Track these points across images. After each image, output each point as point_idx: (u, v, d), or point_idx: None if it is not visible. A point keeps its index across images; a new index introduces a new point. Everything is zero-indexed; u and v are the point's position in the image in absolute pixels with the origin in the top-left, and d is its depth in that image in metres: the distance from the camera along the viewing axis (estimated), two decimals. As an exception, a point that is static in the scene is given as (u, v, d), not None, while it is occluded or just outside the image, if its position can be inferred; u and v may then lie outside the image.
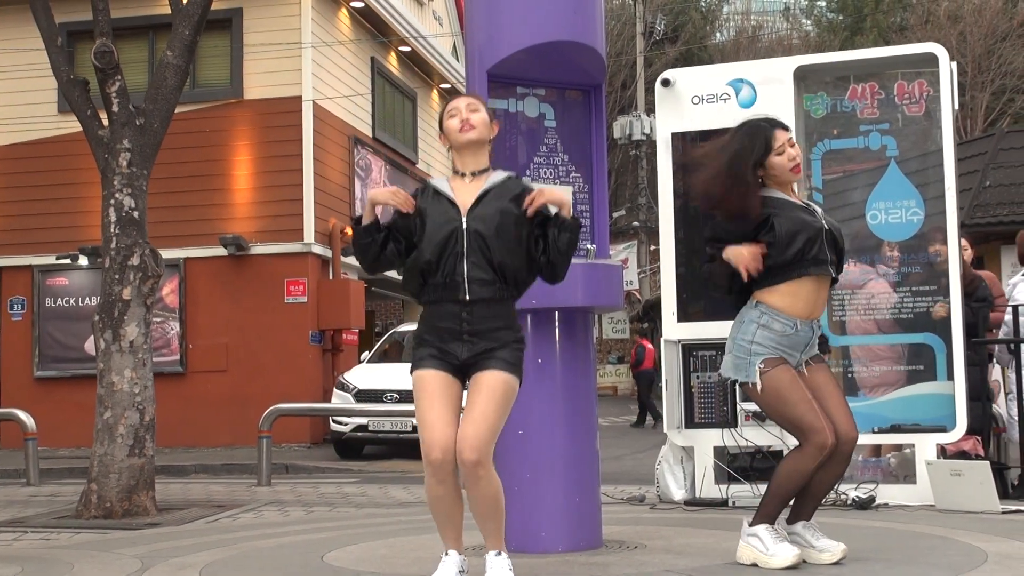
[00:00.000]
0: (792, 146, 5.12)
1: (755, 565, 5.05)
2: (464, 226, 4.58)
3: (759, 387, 5.03)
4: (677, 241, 8.09)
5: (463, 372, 4.61)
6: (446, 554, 4.67)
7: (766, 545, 5.02)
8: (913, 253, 7.84)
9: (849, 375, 7.91)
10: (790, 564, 4.95)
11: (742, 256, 4.97)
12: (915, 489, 7.45)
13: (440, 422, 4.51)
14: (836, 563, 5.04)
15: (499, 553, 4.62)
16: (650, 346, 23.36)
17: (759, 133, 5.11)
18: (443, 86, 24.25)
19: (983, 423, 8.17)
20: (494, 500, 4.57)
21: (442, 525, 4.69)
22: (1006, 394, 8.78)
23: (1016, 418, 8.28)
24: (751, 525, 5.10)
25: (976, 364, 7.97)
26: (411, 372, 4.64)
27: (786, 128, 5.19)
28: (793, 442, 5.17)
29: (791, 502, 5.19)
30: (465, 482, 4.53)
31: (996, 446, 8.66)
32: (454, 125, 4.69)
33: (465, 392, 4.65)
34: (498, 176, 4.74)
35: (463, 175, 4.72)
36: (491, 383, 4.52)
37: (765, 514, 5.08)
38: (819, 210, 5.25)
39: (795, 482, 5.04)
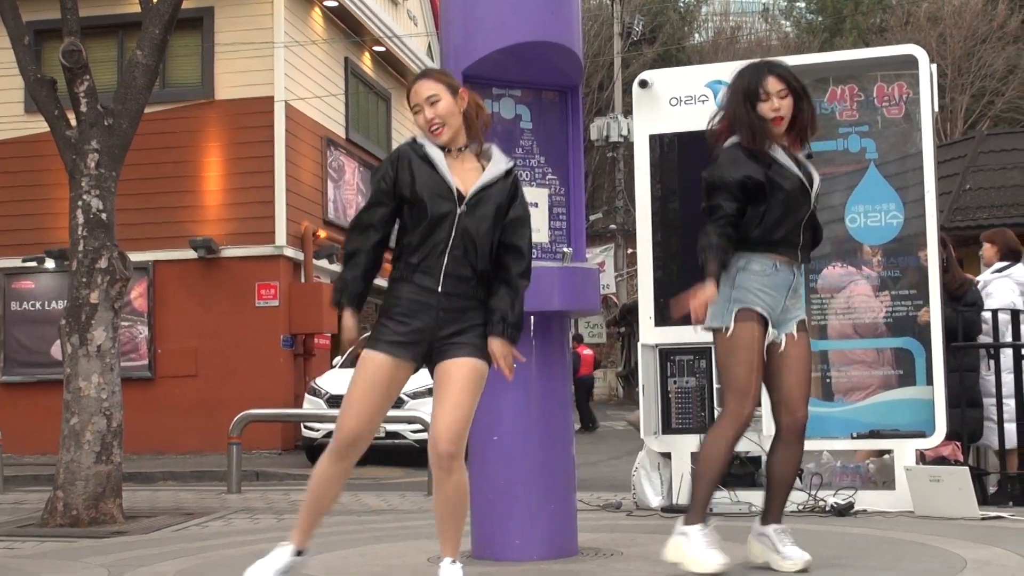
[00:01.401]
0: (782, 97, 5.12)
1: (678, 565, 5.02)
2: (456, 220, 4.53)
3: (729, 332, 5.05)
4: (654, 244, 8.11)
5: (430, 351, 4.57)
6: (281, 545, 4.71)
7: (694, 546, 4.99)
8: (893, 257, 7.88)
9: (827, 380, 7.94)
10: (711, 572, 4.93)
11: (697, 302, 5.01)
12: (894, 495, 7.48)
13: (365, 411, 4.56)
14: (799, 572, 5.04)
15: (454, 561, 4.58)
16: (586, 352, 23.35)
17: (753, 74, 5.18)
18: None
19: (973, 429, 8.20)
20: (462, 497, 4.56)
21: (311, 512, 4.72)
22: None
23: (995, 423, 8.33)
24: (684, 524, 5.07)
25: (956, 369, 8.00)
26: (366, 346, 4.63)
27: (783, 75, 5.16)
28: (768, 447, 5.20)
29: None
30: (435, 476, 4.53)
31: (975, 452, 8.70)
32: (421, 124, 4.65)
33: (413, 379, 4.70)
34: (498, 167, 4.66)
35: (448, 150, 4.64)
36: (463, 371, 4.52)
37: (696, 504, 5.06)
38: (815, 178, 5.25)
39: (717, 455, 5.04)
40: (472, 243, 4.55)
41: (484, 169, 4.66)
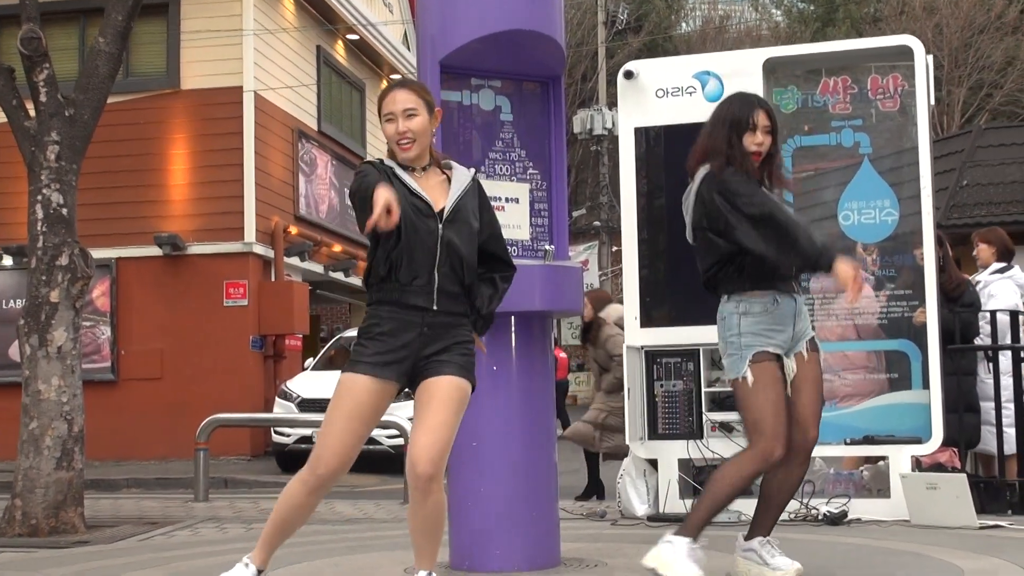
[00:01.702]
0: (765, 133, 5.22)
1: (653, 570, 5.03)
2: (440, 236, 4.57)
3: (750, 380, 5.08)
4: (640, 242, 8.11)
5: (411, 373, 4.58)
6: (246, 564, 4.75)
7: (676, 555, 4.99)
8: (887, 255, 7.90)
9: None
10: None
11: (849, 275, 4.96)
12: (889, 503, 7.51)
13: (344, 442, 4.58)
14: None
15: (430, 574, 4.61)
16: (561, 355, 23.41)
17: (746, 105, 5.27)
18: (393, 76, 24.21)
19: (970, 435, 8.23)
20: (439, 516, 4.58)
21: (278, 535, 4.78)
22: None
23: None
24: (674, 534, 5.08)
25: (953, 373, 8.03)
26: (343, 371, 4.61)
27: (770, 113, 5.28)
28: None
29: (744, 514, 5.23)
30: (412, 497, 4.53)
31: (973, 459, 8.74)
32: (391, 134, 4.64)
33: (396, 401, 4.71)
34: (464, 177, 4.73)
35: (412, 169, 4.68)
36: (445, 391, 4.53)
37: (694, 524, 5.07)
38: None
39: (737, 490, 5.09)
40: (459, 257, 4.59)
41: (449, 180, 4.71)
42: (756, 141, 5.21)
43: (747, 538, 5.21)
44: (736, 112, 5.25)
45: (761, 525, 5.22)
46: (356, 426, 4.57)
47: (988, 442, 8.36)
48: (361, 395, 4.55)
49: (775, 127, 5.29)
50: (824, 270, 5.07)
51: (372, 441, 14.37)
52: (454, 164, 4.81)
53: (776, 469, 5.15)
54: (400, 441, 11.92)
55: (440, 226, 4.57)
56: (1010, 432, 8.19)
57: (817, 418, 5.20)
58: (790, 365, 5.19)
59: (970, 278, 8.92)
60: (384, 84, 24.25)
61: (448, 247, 4.57)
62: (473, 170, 4.85)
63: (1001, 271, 8.86)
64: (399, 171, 4.64)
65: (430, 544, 4.61)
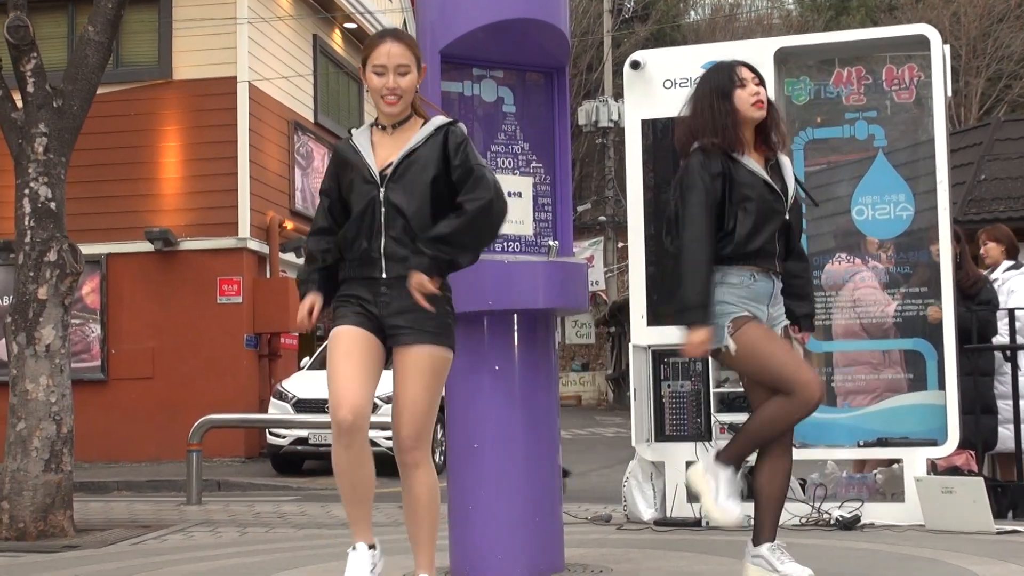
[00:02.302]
0: (757, 84, 5.24)
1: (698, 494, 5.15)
2: (381, 197, 4.58)
3: (732, 349, 5.09)
4: (647, 237, 8.11)
5: (382, 329, 4.59)
6: (353, 548, 4.60)
7: (719, 494, 5.08)
8: (902, 252, 7.91)
9: (832, 384, 7.96)
10: (729, 523, 5.06)
11: (690, 351, 5.11)
12: (903, 508, 7.51)
13: (352, 379, 4.50)
14: None
15: None
16: None
17: (724, 67, 5.32)
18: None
19: (987, 437, 8.24)
20: (431, 496, 4.56)
21: (350, 502, 4.61)
22: None
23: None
24: (717, 460, 5.14)
25: (970, 373, 8.03)
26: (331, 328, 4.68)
27: (751, 67, 5.32)
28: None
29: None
30: (401, 475, 4.55)
31: (991, 462, 8.74)
32: (377, 87, 4.64)
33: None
34: (426, 131, 4.67)
35: (383, 128, 4.72)
36: (420, 361, 4.53)
37: (733, 453, 5.15)
38: (789, 181, 5.30)
39: (775, 430, 5.11)
40: (404, 216, 4.55)
41: None
42: (752, 92, 5.22)
43: (755, 543, 5.21)
44: (716, 78, 5.28)
45: (765, 528, 5.23)
46: (356, 363, 4.52)
47: (1006, 442, 8.36)
48: (349, 337, 4.56)
49: (762, 77, 5.32)
50: (679, 323, 5.12)
51: (370, 443, 14.39)
52: (436, 117, 4.75)
53: (758, 467, 5.20)
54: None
55: (382, 189, 4.58)
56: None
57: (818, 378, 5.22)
58: None
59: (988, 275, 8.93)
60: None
61: (394, 209, 4.56)
62: (449, 119, 4.76)
63: (1015, 267, 8.86)
64: (358, 138, 4.72)
65: (427, 538, 4.58)
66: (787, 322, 5.28)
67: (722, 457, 5.14)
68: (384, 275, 4.56)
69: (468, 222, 4.51)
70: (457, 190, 4.59)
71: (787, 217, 5.24)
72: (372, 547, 4.61)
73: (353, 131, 4.81)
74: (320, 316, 4.71)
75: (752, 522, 5.22)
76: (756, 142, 5.28)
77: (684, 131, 5.33)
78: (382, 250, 4.56)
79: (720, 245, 5.15)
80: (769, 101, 5.29)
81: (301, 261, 19.63)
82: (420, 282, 4.46)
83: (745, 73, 5.25)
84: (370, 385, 4.54)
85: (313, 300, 4.66)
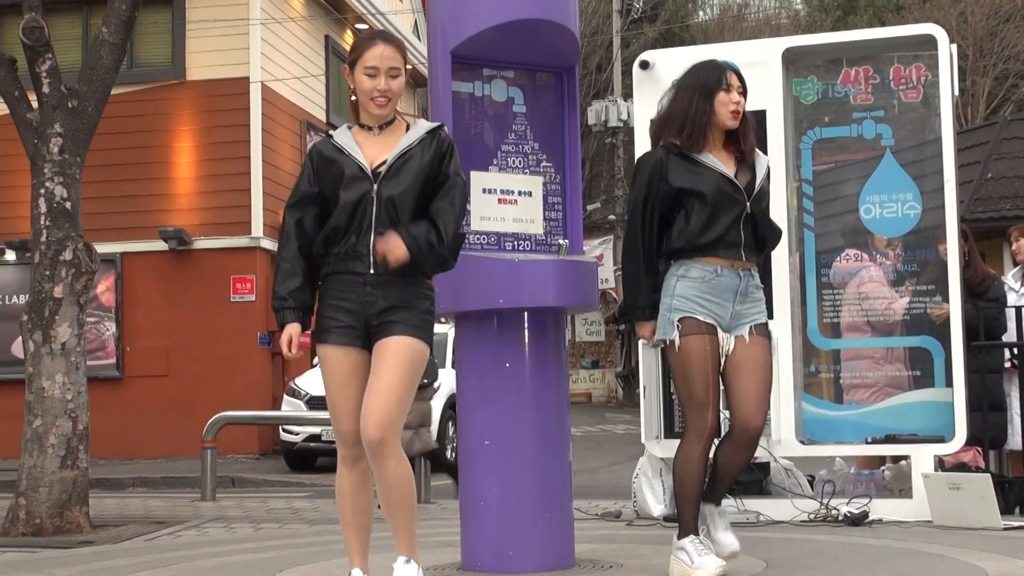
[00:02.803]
0: (739, 94, 5.32)
1: None
2: (375, 193, 4.59)
3: (676, 345, 5.22)
4: (656, 236, 8.09)
5: (367, 335, 4.60)
6: (349, 574, 4.68)
7: (691, 558, 5.18)
8: (910, 250, 7.89)
9: (840, 381, 7.95)
10: (712, 572, 5.09)
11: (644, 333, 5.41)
12: (911, 504, 7.49)
13: (352, 409, 4.58)
14: (727, 558, 5.19)
15: (408, 560, 4.59)
16: None
17: (715, 67, 5.40)
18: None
19: (995, 434, 8.22)
20: (402, 485, 4.56)
21: (349, 528, 4.71)
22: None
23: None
24: (677, 538, 5.27)
25: (978, 370, 8.01)
26: (313, 341, 4.69)
27: (740, 75, 5.39)
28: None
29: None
30: (371, 464, 4.55)
31: (998, 458, 8.72)
32: (367, 88, 4.65)
33: None
34: (418, 132, 4.72)
35: (369, 128, 4.73)
36: (395, 350, 4.53)
37: (682, 522, 5.28)
38: (760, 173, 5.36)
39: (690, 474, 5.24)
40: (395, 211, 4.59)
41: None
42: (733, 100, 5.30)
43: (703, 503, 5.32)
44: (704, 77, 5.35)
45: (710, 494, 5.36)
46: (352, 391, 4.61)
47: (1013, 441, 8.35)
48: (337, 362, 4.63)
49: (746, 89, 5.38)
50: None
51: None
52: (421, 122, 4.82)
53: (721, 444, 5.29)
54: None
55: (375, 186, 4.60)
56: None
57: (759, 406, 5.26)
58: (727, 340, 5.25)
59: (1015, 271, 8.95)
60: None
61: (387, 204, 4.58)
62: (440, 124, 4.84)
63: None
64: (340, 138, 4.72)
65: (404, 524, 4.60)
66: (761, 321, 5.33)
67: (681, 533, 5.26)
68: (372, 271, 4.58)
69: (451, 240, 4.65)
70: (434, 193, 4.67)
71: (749, 209, 5.27)
72: (367, 574, 4.72)
73: (332, 132, 4.82)
74: (300, 344, 4.73)
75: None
76: (725, 142, 5.36)
77: (658, 119, 5.46)
78: (371, 246, 4.58)
79: (680, 238, 5.26)
80: (745, 114, 5.37)
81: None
82: (396, 245, 4.50)
83: (733, 80, 5.33)
84: None
85: (291, 332, 4.68)
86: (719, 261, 5.23)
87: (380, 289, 4.56)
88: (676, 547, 5.26)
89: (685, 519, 5.25)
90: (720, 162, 5.30)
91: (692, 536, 5.21)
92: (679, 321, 5.21)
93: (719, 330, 5.24)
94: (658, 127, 5.45)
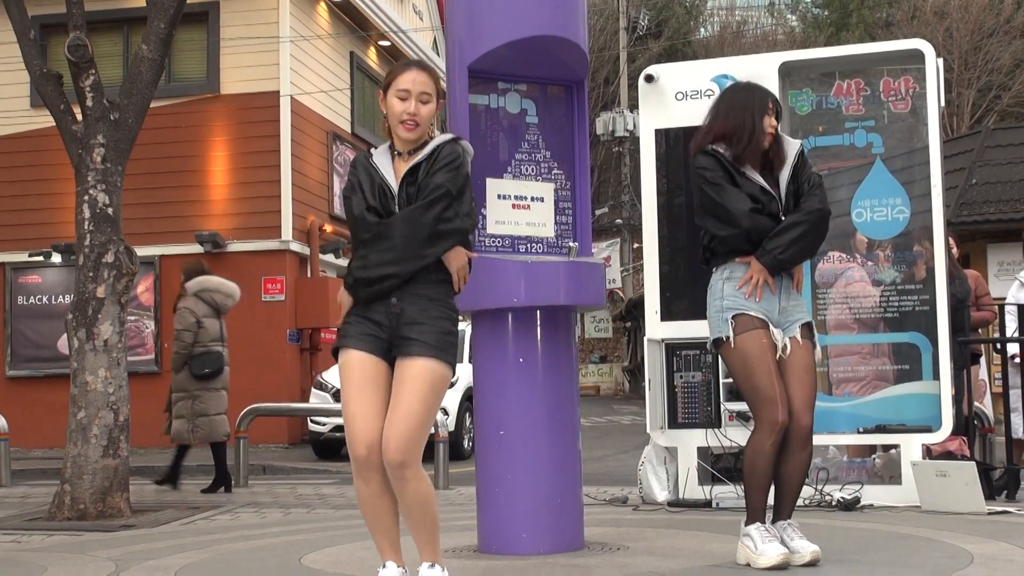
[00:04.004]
0: (775, 118, 5.31)
1: (748, 565, 5.13)
2: (397, 208, 4.40)
3: (732, 342, 5.15)
4: (660, 239, 8.10)
5: (391, 347, 4.37)
6: (383, 566, 4.44)
7: (755, 544, 5.11)
8: (899, 251, 7.87)
9: (833, 375, 7.93)
10: (773, 564, 5.02)
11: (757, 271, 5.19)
12: (900, 490, 7.48)
13: (365, 415, 4.31)
14: (808, 564, 5.07)
15: (432, 565, 4.38)
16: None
17: (764, 92, 5.36)
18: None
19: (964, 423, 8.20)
20: (423, 504, 4.33)
21: (374, 531, 4.48)
22: (992, 393, 8.82)
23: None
24: (745, 525, 5.20)
25: (963, 365, 7.99)
26: (336, 348, 4.46)
27: (775, 100, 5.37)
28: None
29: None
30: (392, 485, 4.32)
31: (982, 446, 8.70)
32: (397, 111, 4.45)
33: None
34: (431, 145, 4.48)
35: (399, 153, 4.51)
36: (416, 374, 4.29)
37: (751, 509, 5.19)
38: (781, 185, 5.30)
39: (760, 464, 5.14)
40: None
41: None
42: (772, 124, 5.28)
43: (772, 522, 5.22)
44: (759, 98, 5.31)
45: (780, 511, 5.26)
46: (369, 396, 4.34)
47: (1017, 428, 8.35)
48: (357, 366, 4.36)
49: (779, 110, 5.38)
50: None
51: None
52: (436, 135, 4.58)
53: (780, 458, 5.16)
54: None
55: (396, 200, 4.41)
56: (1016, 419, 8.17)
57: (809, 406, 5.18)
58: (778, 334, 5.19)
59: (967, 273, 8.94)
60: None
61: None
62: (448, 137, 4.57)
63: None
64: (378, 158, 4.51)
65: (426, 535, 4.39)
66: (806, 320, 5.28)
67: (746, 520, 5.21)
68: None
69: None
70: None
71: (782, 216, 5.24)
72: (401, 566, 4.46)
73: (373, 150, 4.60)
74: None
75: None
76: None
77: (712, 132, 5.34)
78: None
79: (721, 243, 5.23)
80: (776, 135, 5.34)
81: (340, 262, 19.75)
82: (460, 256, 4.44)
83: (772, 105, 5.32)
84: (382, 415, 4.33)
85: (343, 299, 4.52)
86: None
87: (404, 300, 4.35)
88: (743, 533, 5.19)
89: (753, 507, 5.16)
90: (756, 175, 5.27)
91: (758, 524, 5.14)
92: (733, 319, 5.16)
93: (771, 326, 5.18)
94: (711, 138, 5.34)
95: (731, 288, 5.20)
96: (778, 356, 5.17)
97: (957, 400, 7.80)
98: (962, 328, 8.26)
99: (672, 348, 8.04)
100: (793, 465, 5.20)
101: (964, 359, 8.15)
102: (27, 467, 14.29)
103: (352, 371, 4.38)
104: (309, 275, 18.87)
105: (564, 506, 5.82)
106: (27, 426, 16.65)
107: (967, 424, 8.02)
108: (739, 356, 5.17)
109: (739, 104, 5.32)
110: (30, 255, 18.30)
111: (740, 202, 5.18)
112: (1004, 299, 9.13)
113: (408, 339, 4.33)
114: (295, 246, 18.36)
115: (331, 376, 16.10)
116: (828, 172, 8.14)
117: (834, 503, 7.31)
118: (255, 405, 12.11)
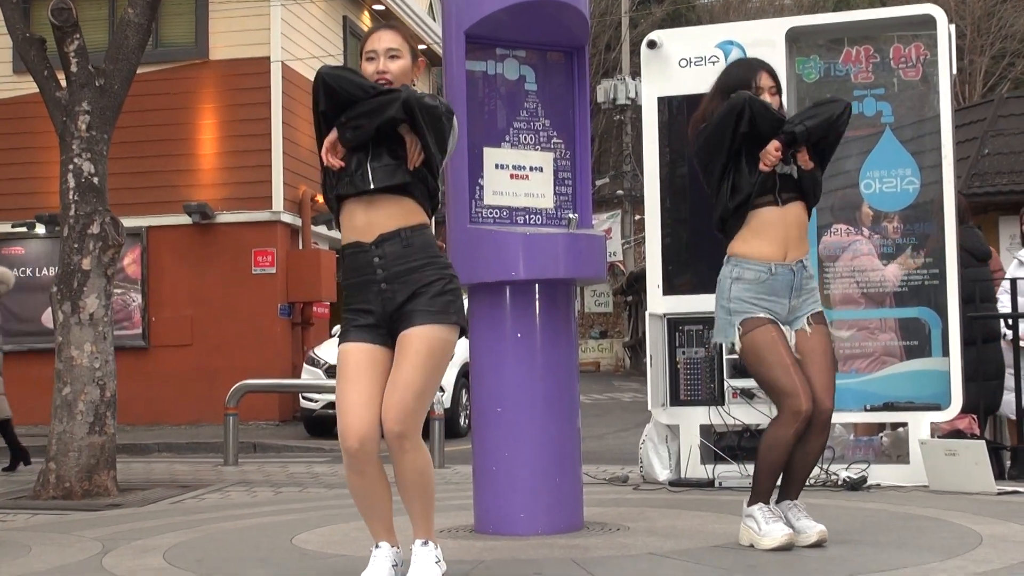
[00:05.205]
0: (772, 94, 5.29)
1: (752, 546, 5.14)
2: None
3: (739, 348, 5.21)
4: (663, 210, 8.09)
5: (391, 332, 4.37)
6: (376, 546, 4.46)
7: (759, 525, 5.13)
8: (909, 224, 7.87)
9: (840, 351, 7.93)
10: (778, 545, 5.04)
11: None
12: (908, 469, 7.50)
13: (356, 406, 4.31)
14: (814, 545, 5.10)
15: (426, 542, 4.40)
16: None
17: (747, 69, 5.37)
18: (419, 47, 24.12)
19: (990, 402, 8.20)
20: (421, 477, 4.36)
21: (367, 517, 4.50)
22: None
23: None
24: (748, 505, 5.21)
25: (973, 342, 7.99)
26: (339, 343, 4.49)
27: (773, 74, 5.36)
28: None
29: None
30: (391, 456, 4.35)
31: (992, 425, 8.71)
32: (368, 72, 4.48)
33: None
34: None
35: None
36: (416, 343, 4.30)
37: (757, 491, 5.21)
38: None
39: (777, 452, 5.15)
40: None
41: None
42: (769, 85, 5.30)
43: (777, 502, 5.25)
44: (737, 78, 5.32)
45: (787, 491, 5.29)
46: (362, 386, 4.34)
47: (1008, 406, 8.34)
48: (355, 357, 4.36)
49: (779, 86, 5.36)
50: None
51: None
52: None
53: (800, 442, 5.17)
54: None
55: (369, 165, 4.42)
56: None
57: (829, 390, 5.20)
58: (789, 335, 5.22)
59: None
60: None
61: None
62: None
63: None
64: None
65: (421, 510, 4.41)
66: (816, 310, 5.28)
67: (749, 500, 5.22)
68: (372, 185, 4.38)
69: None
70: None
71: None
72: (394, 546, 4.48)
73: None
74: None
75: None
76: None
77: (702, 117, 5.35)
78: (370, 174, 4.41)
79: (737, 222, 5.25)
80: (781, 112, 5.35)
81: (333, 233, 19.72)
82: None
83: (765, 81, 5.30)
84: (376, 406, 4.33)
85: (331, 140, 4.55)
86: (771, 261, 5.21)
87: (394, 283, 4.34)
88: (745, 514, 5.21)
89: (759, 488, 5.18)
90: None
91: (762, 504, 5.16)
92: (740, 324, 5.19)
93: (779, 325, 5.21)
94: (700, 124, 5.37)
95: (738, 289, 5.20)
96: (795, 348, 5.20)
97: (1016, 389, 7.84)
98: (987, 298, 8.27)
99: (674, 323, 8.04)
100: (810, 448, 5.22)
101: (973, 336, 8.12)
102: (11, 444, 14.28)
103: (346, 363, 4.40)
104: (301, 247, 18.85)
105: (563, 485, 5.83)
106: (11, 402, 16.61)
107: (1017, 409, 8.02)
108: (751, 354, 5.20)
109: (722, 88, 5.33)
110: (13, 226, 18.30)
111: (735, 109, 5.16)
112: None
113: (409, 311, 4.33)
114: (286, 217, 18.35)
115: (323, 352, 16.11)
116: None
117: (840, 482, 7.33)
118: (245, 381, 12.12)
